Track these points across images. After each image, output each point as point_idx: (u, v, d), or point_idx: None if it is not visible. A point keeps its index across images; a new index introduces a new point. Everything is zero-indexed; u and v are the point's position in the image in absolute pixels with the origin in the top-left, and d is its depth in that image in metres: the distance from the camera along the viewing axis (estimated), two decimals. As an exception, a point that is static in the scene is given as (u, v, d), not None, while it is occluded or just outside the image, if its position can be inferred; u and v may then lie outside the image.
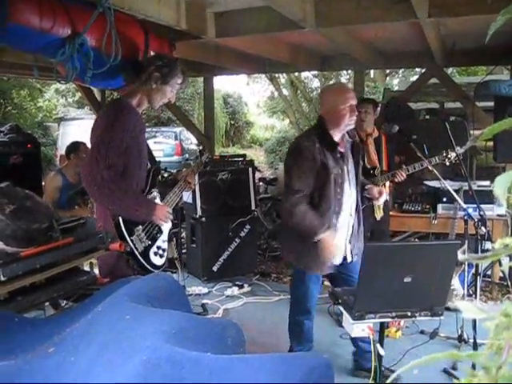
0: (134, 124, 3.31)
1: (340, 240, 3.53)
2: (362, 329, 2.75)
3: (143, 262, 3.34)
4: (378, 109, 5.59)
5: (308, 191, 3.43)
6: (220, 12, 4.47)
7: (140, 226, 3.35)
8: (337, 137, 3.53)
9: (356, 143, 3.70)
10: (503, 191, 0.58)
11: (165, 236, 3.55)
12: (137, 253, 3.30)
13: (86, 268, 3.03)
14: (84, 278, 2.65)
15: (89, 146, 3.43)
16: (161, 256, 3.51)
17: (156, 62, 3.36)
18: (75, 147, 5.61)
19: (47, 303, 2.65)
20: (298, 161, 3.46)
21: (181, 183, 3.78)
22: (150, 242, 3.42)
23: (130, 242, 3.25)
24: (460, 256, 0.61)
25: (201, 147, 4.20)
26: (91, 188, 3.15)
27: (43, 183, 6.11)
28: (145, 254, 3.37)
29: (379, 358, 2.89)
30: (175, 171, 4.20)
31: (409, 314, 2.82)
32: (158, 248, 3.49)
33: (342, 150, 3.56)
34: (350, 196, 3.56)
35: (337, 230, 3.50)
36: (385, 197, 3.88)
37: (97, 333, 1.84)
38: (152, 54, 3.89)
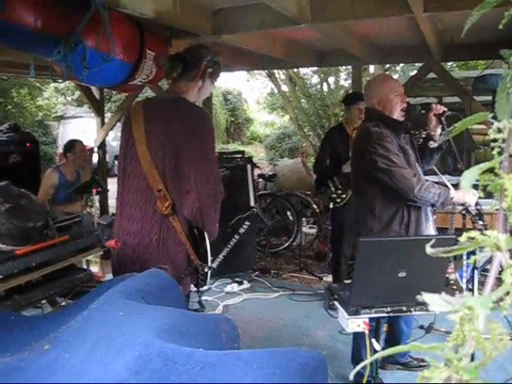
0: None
1: (428, 224, 3.56)
2: (357, 324, 2.76)
3: (208, 280, 3.20)
4: None
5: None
6: (216, 9, 4.47)
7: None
8: None
9: (409, 127, 3.60)
10: (469, 184, 0.59)
11: None
12: (209, 272, 3.11)
13: (83, 265, 3.04)
14: (81, 276, 2.66)
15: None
16: None
17: (207, 57, 3.13)
18: (71, 145, 5.67)
19: (44, 301, 2.67)
20: (385, 144, 3.36)
21: None
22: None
23: (210, 262, 3.08)
24: (428, 249, 0.62)
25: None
26: (207, 206, 2.93)
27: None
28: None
29: (375, 353, 2.90)
30: None
31: (404, 308, 2.83)
32: None
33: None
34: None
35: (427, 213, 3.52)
36: None
37: (91, 329, 1.86)
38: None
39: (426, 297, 0.56)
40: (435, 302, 0.56)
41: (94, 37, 3.37)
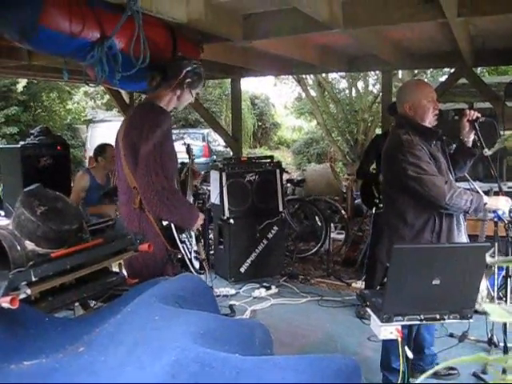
0: (170, 127, 3.38)
1: (459, 232, 3.52)
2: (390, 331, 2.73)
3: (191, 268, 3.40)
4: None
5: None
6: (247, 14, 4.48)
7: (184, 233, 3.40)
8: None
9: (440, 134, 3.54)
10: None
11: (193, 239, 3.58)
12: (187, 259, 3.37)
13: (115, 269, 3.06)
14: (113, 279, 2.67)
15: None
16: (197, 259, 3.55)
17: (186, 67, 3.39)
18: (102, 149, 5.70)
19: (77, 303, 2.68)
20: (415, 152, 3.33)
21: (189, 183, 3.80)
22: (191, 248, 3.47)
23: (182, 249, 3.31)
24: (488, 259, 0.61)
25: (186, 143, 4.23)
26: (150, 199, 3.11)
27: (72, 184, 6.20)
28: (191, 259, 3.43)
29: (407, 360, 2.86)
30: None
31: (437, 316, 2.79)
32: (196, 252, 3.55)
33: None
34: None
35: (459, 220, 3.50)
36: None
37: (126, 333, 1.87)
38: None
39: (486, 306, 0.55)
40: (495, 312, 0.55)
41: (128, 41, 3.39)
